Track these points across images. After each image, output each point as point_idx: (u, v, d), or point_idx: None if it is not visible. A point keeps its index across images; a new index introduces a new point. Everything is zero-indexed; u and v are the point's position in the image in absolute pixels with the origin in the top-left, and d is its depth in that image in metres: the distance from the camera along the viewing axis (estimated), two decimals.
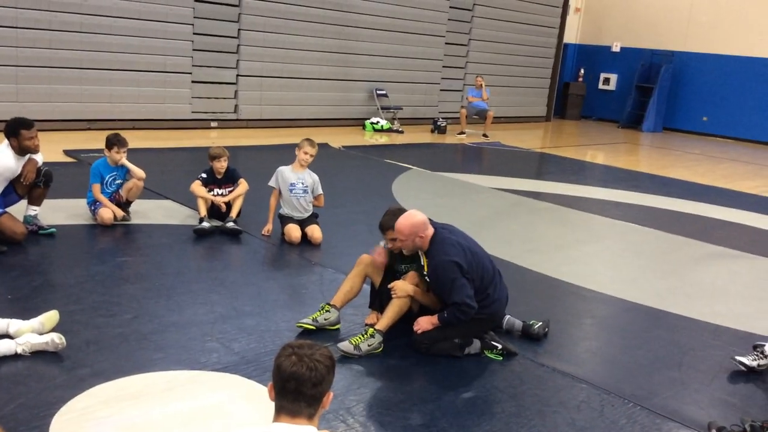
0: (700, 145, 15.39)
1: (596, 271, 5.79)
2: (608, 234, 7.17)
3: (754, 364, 3.95)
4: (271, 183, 5.75)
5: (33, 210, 5.30)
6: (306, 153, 5.67)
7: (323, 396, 1.99)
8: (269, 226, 5.76)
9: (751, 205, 9.15)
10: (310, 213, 5.81)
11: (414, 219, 3.78)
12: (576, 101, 18.51)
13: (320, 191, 5.82)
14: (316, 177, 5.82)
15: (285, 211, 5.75)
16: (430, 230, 3.82)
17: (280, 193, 5.74)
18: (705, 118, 16.94)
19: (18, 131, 4.96)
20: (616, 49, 18.33)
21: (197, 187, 5.84)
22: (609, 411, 3.44)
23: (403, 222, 3.78)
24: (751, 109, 16.19)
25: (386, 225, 3.95)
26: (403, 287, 3.87)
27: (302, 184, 5.73)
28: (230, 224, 5.71)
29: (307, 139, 5.77)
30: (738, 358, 4.00)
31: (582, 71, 18.64)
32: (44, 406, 3.01)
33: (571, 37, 18.48)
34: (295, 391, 1.94)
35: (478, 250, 3.97)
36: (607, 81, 18.49)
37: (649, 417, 3.41)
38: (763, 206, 9.10)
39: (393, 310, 3.86)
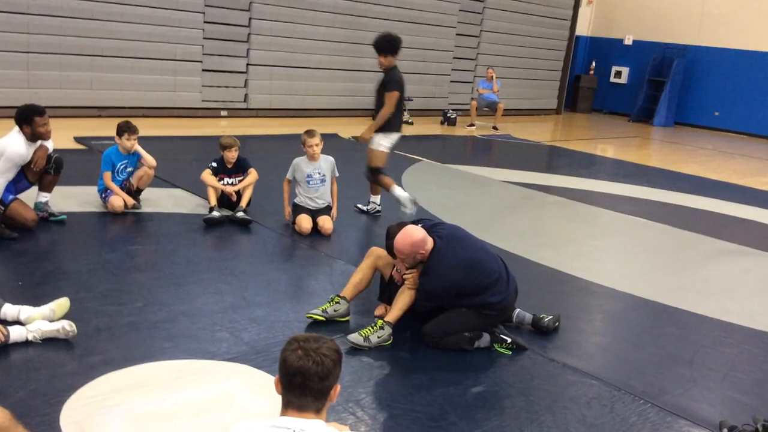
0: (712, 141, 15.28)
1: (607, 267, 5.76)
2: (619, 229, 7.13)
3: None
4: (288, 175, 5.74)
5: (44, 197, 5.30)
6: (310, 146, 5.65)
7: (330, 390, 1.98)
8: (288, 210, 5.75)
9: (764, 201, 9.07)
10: (326, 204, 5.80)
11: (412, 238, 3.75)
12: (587, 94, 18.39)
13: (337, 174, 5.82)
14: (332, 160, 5.81)
15: (300, 200, 5.74)
16: (430, 244, 3.80)
17: (297, 182, 5.73)
18: (717, 113, 16.81)
19: (31, 118, 4.96)
20: (628, 42, 18.19)
21: (207, 176, 5.84)
22: (619, 408, 3.42)
23: (401, 241, 3.75)
24: (764, 105, 16.05)
25: (391, 249, 3.92)
26: (416, 279, 3.86)
27: (319, 173, 5.72)
28: (240, 214, 5.71)
29: (306, 132, 5.74)
30: None
31: (593, 64, 18.52)
32: (55, 393, 3.02)
33: (583, 29, 18.35)
34: (301, 385, 1.93)
35: (481, 256, 3.93)
36: (618, 74, 18.37)
37: (660, 414, 3.39)
38: None
39: (403, 302, 3.85)
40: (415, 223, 3.96)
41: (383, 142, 6.13)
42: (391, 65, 6.12)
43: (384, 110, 6.06)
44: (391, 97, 6.04)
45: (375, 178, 6.13)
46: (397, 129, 6.24)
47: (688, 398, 3.60)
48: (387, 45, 6.10)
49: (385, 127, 6.12)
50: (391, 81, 6.08)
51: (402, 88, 6.11)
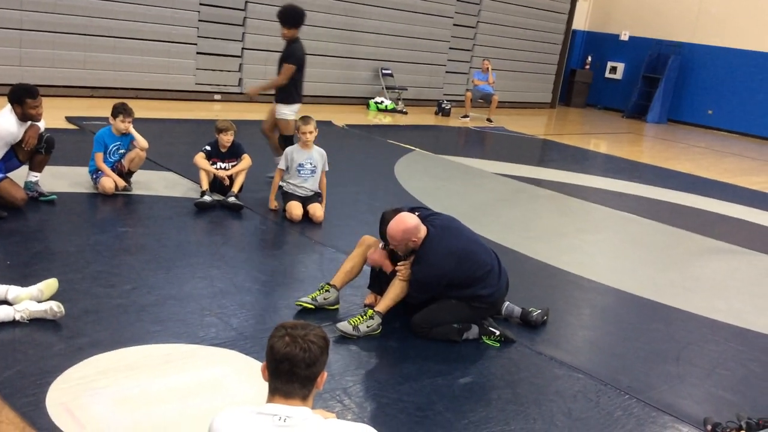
0: (705, 139, 15.34)
1: (596, 261, 5.78)
2: (609, 224, 7.15)
3: None
4: (280, 165, 5.71)
5: (34, 176, 5.26)
6: (304, 132, 5.63)
7: (317, 377, 1.98)
8: (275, 202, 5.75)
9: (754, 201, 9.13)
10: (315, 192, 5.79)
11: (405, 224, 3.74)
12: (582, 89, 18.40)
13: (327, 168, 5.80)
14: (324, 153, 5.80)
15: (289, 187, 5.72)
16: (423, 232, 3.79)
17: (287, 170, 5.71)
18: (710, 112, 16.86)
19: (23, 100, 4.91)
20: (624, 37, 18.19)
21: (200, 160, 5.81)
22: (605, 402, 3.44)
23: (394, 227, 3.75)
24: (758, 104, 16.10)
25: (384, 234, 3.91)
26: (408, 270, 3.85)
27: (310, 164, 5.70)
28: (231, 199, 5.69)
29: (302, 119, 5.73)
30: None
31: (589, 59, 18.51)
32: (41, 374, 3.01)
33: (579, 23, 18.33)
34: (288, 372, 1.92)
35: (474, 247, 3.94)
36: (614, 70, 18.37)
37: (645, 410, 3.42)
38: (766, 202, 9.09)
39: (394, 292, 3.85)
40: (411, 211, 3.94)
41: (287, 112, 6.37)
42: (294, 37, 6.32)
43: (278, 79, 6.33)
44: (288, 69, 6.27)
45: (287, 144, 6.24)
46: (299, 100, 6.47)
47: (673, 394, 3.63)
48: (291, 17, 6.29)
49: (288, 99, 6.37)
50: (291, 54, 6.30)
51: (300, 62, 6.33)
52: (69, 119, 8.24)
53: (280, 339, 1.94)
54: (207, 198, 5.64)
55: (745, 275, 5.97)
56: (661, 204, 8.27)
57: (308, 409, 1.97)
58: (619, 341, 4.29)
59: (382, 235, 3.94)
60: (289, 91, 6.34)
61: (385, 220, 3.93)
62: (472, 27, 15.03)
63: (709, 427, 3.23)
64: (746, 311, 5.03)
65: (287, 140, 6.30)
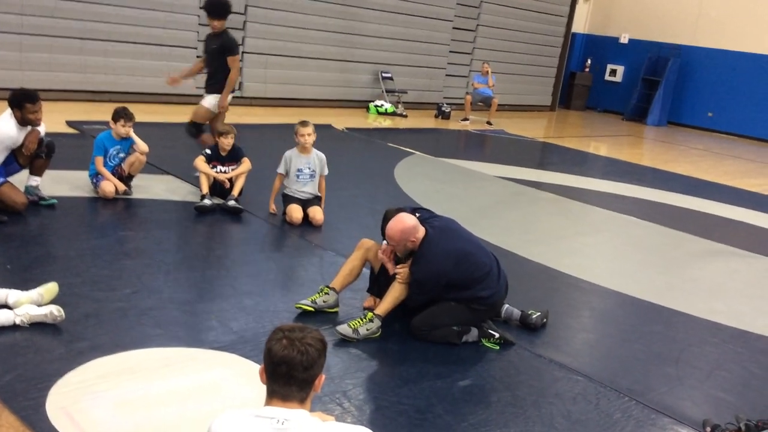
0: (705, 141, 15.35)
1: (596, 264, 5.79)
2: (609, 227, 7.16)
3: None
4: (280, 170, 5.72)
5: (34, 180, 5.27)
6: (303, 135, 5.64)
7: (315, 379, 1.99)
8: (273, 206, 5.77)
9: (753, 203, 9.14)
10: (315, 195, 5.80)
11: (404, 224, 3.76)
12: (581, 92, 18.41)
13: (326, 172, 5.81)
14: (323, 156, 5.81)
15: (289, 191, 5.73)
16: (421, 232, 3.81)
17: (286, 175, 5.73)
18: (710, 114, 16.87)
19: (23, 104, 4.93)
20: (624, 40, 18.20)
21: (200, 163, 5.82)
22: (604, 404, 3.45)
23: (392, 227, 3.77)
24: (758, 107, 16.11)
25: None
26: (407, 273, 3.86)
27: (309, 168, 5.71)
28: (231, 202, 5.70)
29: (300, 122, 5.75)
30: None
31: (589, 62, 18.52)
32: (42, 378, 3.01)
33: (579, 26, 18.35)
34: (286, 375, 1.93)
35: (473, 249, 3.95)
36: (613, 72, 18.39)
37: (644, 412, 3.42)
38: (766, 205, 9.09)
39: (393, 295, 3.85)
40: (412, 212, 3.96)
41: (213, 102, 6.46)
42: (224, 28, 6.41)
43: (232, 74, 6.40)
44: (236, 61, 6.42)
45: (197, 133, 6.32)
46: (221, 90, 6.51)
47: (672, 396, 3.63)
48: (220, 9, 6.37)
49: (218, 89, 6.46)
50: (232, 45, 6.43)
51: (238, 51, 6.50)
52: (69, 123, 8.26)
53: (278, 342, 1.95)
54: (207, 201, 5.65)
55: (744, 277, 5.98)
56: (660, 206, 8.28)
57: (306, 411, 1.97)
58: (618, 343, 4.30)
59: (384, 233, 3.95)
60: (222, 83, 6.45)
61: (387, 218, 3.94)
62: (472, 30, 15.05)
63: (708, 429, 3.23)
64: (746, 313, 5.03)
65: (198, 128, 6.43)
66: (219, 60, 6.44)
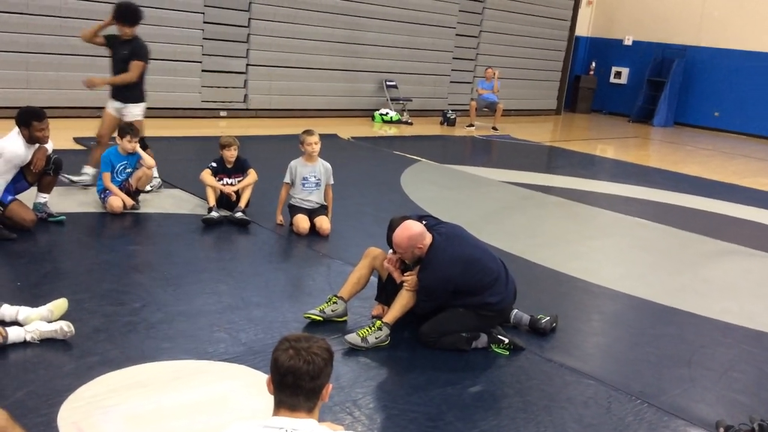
0: (712, 141, 15.28)
1: (605, 267, 5.76)
2: (618, 229, 7.13)
3: None
4: (286, 180, 5.74)
5: (43, 197, 5.31)
6: (309, 144, 5.66)
7: (322, 389, 1.98)
8: (280, 217, 5.78)
9: (764, 202, 9.08)
10: (321, 204, 5.81)
11: (410, 231, 3.76)
12: (587, 95, 18.39)
13: (332, 181, 5.82)
14: (329, 166, 5.82)
15: (295, 201, 5.75)
16: (428, 239, 3.80)
17: (292, 185, 5.74)
18: (717, 114, 16.81)
19: (30, 122, 4.97)
20: (628, 42, 18.19)
21: (207, 176, 5.84)
22: (616, 408, 3.42)
23: (399, 234, 3.77)
24: (764, 105, 16.04)
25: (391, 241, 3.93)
26: (415, 281, 3.85)
27: (314, 177, 5.73)
28: (239, 214, 5.71)
29: (305, 131, 5.76)
30: None
31: (593, 64, 18.52)
32: (53, 393, 3.02)
33: (582, 29, 18.35)
34: (293, 385, 1.93)
35: (480, 254, 3.94)
36: (618, 75, 18.36)
37: (657, 414, 3.39)
38: None
39: (401, 303, 3.85)
40: (418, 219, 3.96)
41: (139, 112, 6.43)
42: (134, 34, 6.40)
43: (126, 76, 6.32)
44: (138, 66, 6.32)
45: (146, 145, 6.27)
46: (146, 98, 6.51)
47: (685, 398, 3.60)
48: (131, 15, 6.37)
49: (139, 98, 6.41)
50: (139, 51, 6.37)
51: (147, 59, 6.42)
52: (77, 140, 8.31)
53: (284, 352, 1.95)
54: (214, 214, 5.67)
55: (757, 277, 5.93)
56: (669, 208, 8.24)
57: (314, 421, 1.97)
58: (629, 346, 4.27)
59: (389, 241, 3.95)
60: (140, 90, 6.42)
61: (393, 227, 3.94)
62: (475, 36, 15.08)
63: (721, 430, 3.20)
64: (759, 313, 4.99)
65: (143, 141, 6.33)
66: (128, 66, 6.33)
